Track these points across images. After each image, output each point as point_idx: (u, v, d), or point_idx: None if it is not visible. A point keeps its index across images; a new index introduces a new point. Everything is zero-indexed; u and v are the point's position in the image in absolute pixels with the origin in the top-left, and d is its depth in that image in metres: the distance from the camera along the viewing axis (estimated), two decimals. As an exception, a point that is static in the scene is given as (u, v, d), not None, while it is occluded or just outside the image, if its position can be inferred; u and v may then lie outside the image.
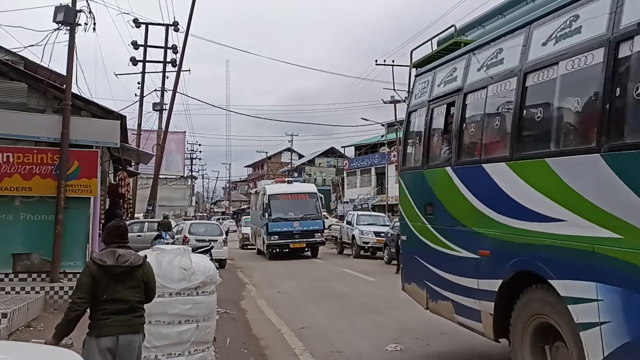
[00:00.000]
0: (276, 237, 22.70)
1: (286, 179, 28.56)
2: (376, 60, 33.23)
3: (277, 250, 22.86)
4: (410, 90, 7.59)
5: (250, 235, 29.12)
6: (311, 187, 26.51)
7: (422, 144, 6.94)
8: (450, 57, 6.60)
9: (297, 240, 22.84)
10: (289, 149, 70.03)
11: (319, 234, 23.41)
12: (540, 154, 4.69)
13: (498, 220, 5.24)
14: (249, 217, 32.99)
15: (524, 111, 4.97)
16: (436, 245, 6.42)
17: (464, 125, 6.05)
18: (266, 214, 23.07)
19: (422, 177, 6.84)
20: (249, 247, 29.80)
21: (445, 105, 6.52)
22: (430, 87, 6.94)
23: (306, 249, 23.60)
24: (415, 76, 7.52)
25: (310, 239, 23.09)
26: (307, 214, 23.31)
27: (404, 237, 7.43)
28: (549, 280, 4.53)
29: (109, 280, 3.94)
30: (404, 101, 33.68)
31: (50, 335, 3.97)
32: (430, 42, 7.26)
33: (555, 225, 4.45)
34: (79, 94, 11.80)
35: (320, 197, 24.64)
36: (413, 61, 7.61)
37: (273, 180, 31.92)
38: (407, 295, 7.49)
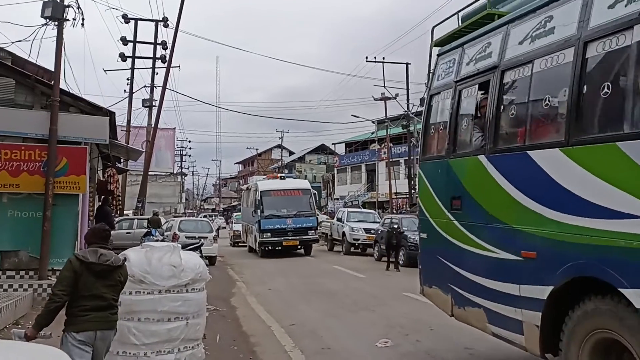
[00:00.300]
0: (269, 234, 21.94)
1: (279, 175, 27.67)
2: (366, 57, 32.36)
3: (270, 248, 22.12)
4: (432, 71, 6.77)
5: (241, 232, 28.42)
6: (304, 183, 25.67)
7: (448, 130, 6.13)
8: (482, 31, 5.78)
9: (290, 237, 22.11)
10: (279, 146, 69.28)
11: (313, 231, 22.69)
12: (610, 137, 3.90)
13: (548, 217, 4.46)
14: (240, 213, 32.19)
15: (585, 87, 4.20)
16: (465, 245, 5.63)
17: (502, 107, 5.26)
18: (258, 210, 22.27)
19: (448, 167, 6.05)
20: (240, 244, 29.11)
21: (476, 86, 5.73)
22: (457, 66, 6.13)
23: (299, 247, 22.85)
24: (438, 55, 6.69)
25: (304, 237, 22.33)
26: (301, 211, 22.53)
27: (424, 235, 6.63)
28: (620, 289, 3.76)
29: (89, 276, 4.10)
30: (394, 98, 32.94)
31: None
32: (457, 15, 6.43)
33: (631, 222, 3.67)
34: (67, 90, 11.77)
35: (314, 194, 23.92)
36: (435, 39, 6.80)
37: (265, 176, 31.04)
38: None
